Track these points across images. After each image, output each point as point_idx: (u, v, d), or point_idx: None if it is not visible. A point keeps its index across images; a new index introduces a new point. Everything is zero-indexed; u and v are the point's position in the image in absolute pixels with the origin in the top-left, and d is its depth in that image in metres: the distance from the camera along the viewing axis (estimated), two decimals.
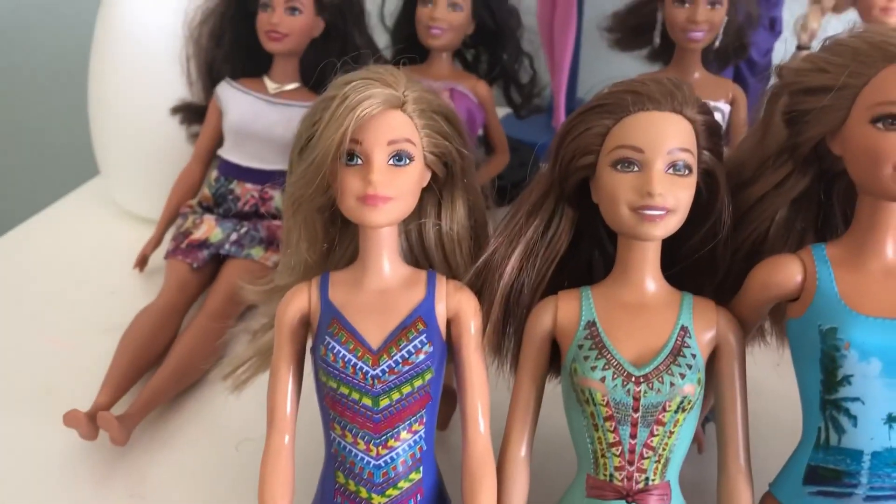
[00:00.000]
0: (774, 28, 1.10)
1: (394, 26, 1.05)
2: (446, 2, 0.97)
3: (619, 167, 0.54)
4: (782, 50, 1.12)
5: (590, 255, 0.64)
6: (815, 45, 1.06)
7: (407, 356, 0.56)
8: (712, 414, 0.61)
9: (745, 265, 0.59)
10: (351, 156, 0.55)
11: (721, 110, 0.94)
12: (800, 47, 1.08)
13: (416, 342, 0.56)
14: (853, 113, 0.51)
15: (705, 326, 0.57)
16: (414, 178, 0.56)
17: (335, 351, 0.56)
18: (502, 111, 1.14)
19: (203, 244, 0.93)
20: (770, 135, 0.58)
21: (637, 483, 0.55)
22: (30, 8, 1.56)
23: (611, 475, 0.55)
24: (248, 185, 0.96)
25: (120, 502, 0.71)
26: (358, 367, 0.55)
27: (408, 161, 0.56)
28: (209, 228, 0.94)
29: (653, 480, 0.55)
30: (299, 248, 0.61)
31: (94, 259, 1.06)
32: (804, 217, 0.60)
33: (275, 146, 0.94)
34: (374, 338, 0.56)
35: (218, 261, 0.94)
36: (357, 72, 0.57)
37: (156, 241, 1.00)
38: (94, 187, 1.25)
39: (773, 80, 0.56)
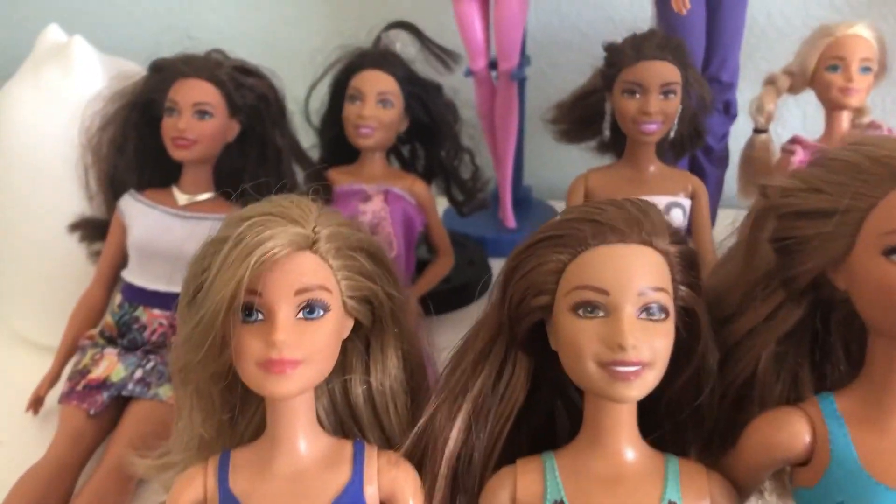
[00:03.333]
0: (729, 111, 1.04)
1: (320, 125, 0.96)
2: (375, 98, 0.88)
3: (580, 312, 0.44)
4: (739, 133, 1.05)
5: (551, 405, 0.53)
6: (773, 128, 1.00)
7: None
8: None
9: (735, 413, 0.50)
10: (249, 311, 0.44)
11: (682, 205, 0.86)
12: (756, 130, 1.02)
13: None
14: (860, 242, 0.42)
15: (696, 498, 0.46)
16: (329, 332, 0.46)
17: None
18: (444, 204, 1.05)
19: (102, 384, 0.80)
20: (756, 262, 0.49)
21: None
22: None
23: None
24: (156, 312, 0.84)
25: None
26: None
27: (321, 312, 0.45)
28: (110, 365, 0.82)
29: None
30: (192, 420, 0.50)
31: None
32: (798, 351, 0.50)
33: (185, 266, 0.83)
34: None
35: (120, 403, 0.81)
36: (256, 205, 0.47)
37: (52, 379, 0.87)
38: None
39: (757, 200, 0.47)
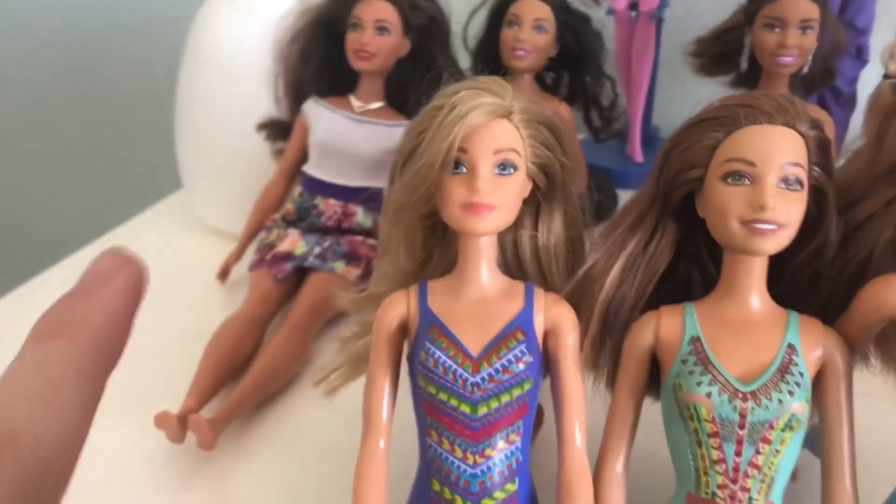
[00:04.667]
0: (861, 56, 1.09)
1: (476, 48, 1.06)
2: (532, 24, 0.98)
3: (729, 180, 0.54)
4: (869, 79, 1.10)
5: (688, 274, 0.63)
6: None
7: (507, 365, 0.55)
8: (807, 442, 0.59)
9: (850, 286, 0.58)
10: (457, 164, 0.55)
11: None
12: (887, 76, 1.06)
13: (517, 351, 0.56)
14: None
15: (812, 345, 0.55)
16: (517, 187, 0.57)
17: (436, 356, 0.56)
18: (579, 136, 1.14)
19: (287, 257, 0.94)
20: (882, 154, 0.57)
21: (740, 502, 0.54)
22: (121, 25, 1.62)
23: (713, 493, 0.54)
24: (332, 201, 0.97)
25: None
26: (458, 373, 0.55)
27: (512, 171, 0.56)
28: (293, 241, 0.96)
29: (756, 501, 0.54)
30: (398, 255, 0.62)
31: (177, 271, 1.07)
32: None
33: (359, 163, 0.96)
34: (474, 345, 0.56)
35: (300, 274, 0.95)
36: (464, 81, 0.58)
37: (238, 254, 1.01)
38: (177, 201, 1.28)
39: (886, 97, 0.55)
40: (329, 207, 0.97)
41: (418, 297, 0.59)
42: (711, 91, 0.99)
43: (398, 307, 0.59)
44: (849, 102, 1.12)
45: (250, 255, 1.00)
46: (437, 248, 0.62)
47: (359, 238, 0.96)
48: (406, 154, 0.58)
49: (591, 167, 1.21)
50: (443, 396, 0.56)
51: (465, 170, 0.55)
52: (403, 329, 0.59)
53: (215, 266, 1.03)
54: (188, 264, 1.10)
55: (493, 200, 0.55)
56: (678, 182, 0.57)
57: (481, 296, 0.58)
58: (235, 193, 1.09)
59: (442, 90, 0.58)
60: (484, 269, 0.58)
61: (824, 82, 0.98)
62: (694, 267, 0.63)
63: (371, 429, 0.58)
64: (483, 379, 0.55)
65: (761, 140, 0.53)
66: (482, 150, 0.55)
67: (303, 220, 0.98)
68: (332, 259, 0.93)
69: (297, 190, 1.00)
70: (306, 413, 0.82)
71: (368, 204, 0.97)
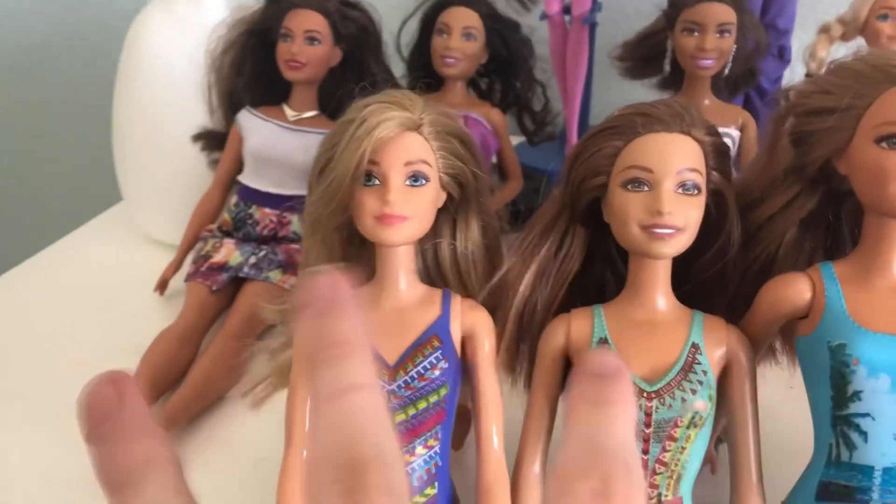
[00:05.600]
0: (783, 57, 1.12)
1: (409, 56, 1.08)
2: (461, 32, 0.99)
3: (629, 187, 0.56)
4: (791, 78, 1.14)
5: (601, 275, 0.65)
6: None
7: (423, 372, 0.57)
8: (725, 435, 0.62)
9: (755, 285, 0.60)
10: (369, 176, 0.57)
11: (731, 136, 0.95)
12: (808, 75, 1.10)
13: (432, 358, 0.57)
14: (858, 133, 0.52)
15: (716, 344, 0.57)
16: (429, 198, 0.58)
17: None
18: (515, 140, 1.16)
19: (222, 267, 0.95)
20: (777, 156, 0.59)
21: (650, 499, 0.56)
22: (57, 38, 1.60)
23: None
24: (267, 210, 0.98)
25: None
26: None
27: (423, 182, 0.57)
28: (229, 252, 0.96)
29: (665, 496, 0.56)
30: (317, 266, 0.63)
31: (117, 283, 1.07)
32: (813, 237, 0.61)
33: (293, 172, 0.96)
34: (391, 354, 0.57)
35: (237, 283, 0.95)
36: (375, 96, 0.59)
37: (176, 265, 1.02)
38: (117, 213, 1.27)
39: (780, 103, 0.58)
40: (264, 216, 0.98)
41: None
42: (646, 93, 1.02)
43: None
44: (773, 101, 1.14)
45: (188, 265, 1.00)
46: (356, 259, 0.64)
47: (295, 246, 0.97)
48: (320, 166, 0.60)
49: (530, 169, 1.23)
50: None
51: (377, 182, 0.57)
52: None
53: (155, 277, 1.03)
54: (128, 276, 1.09)
55: (404, 211, 0.56)
56: (584, 189, 0.59)
57: (399, 305, 0.59)
58: (175, 204, 1.10)
59: (353, 104, 0.59)
60: (401, 279, 0.60)
61: (748, 83, 1.01)
62: (607, 269, 0.65)
63: (293, 440, 0.59)
64: (399, 387, 0.57)
65: (658, 147, 0.55)
66: (393, 163, 0.56)
67: (239, 229, 0.99)
68: (268, 268, 0.94)
69: (233, 199, 1.01)
70: (242, 423, 0.83)
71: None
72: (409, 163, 0.57)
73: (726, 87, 0.99)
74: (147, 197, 1.15)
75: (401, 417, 0.57)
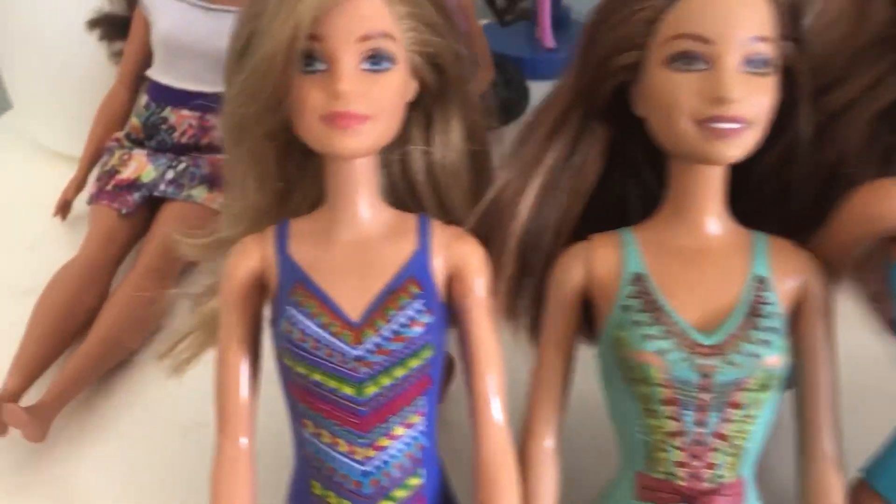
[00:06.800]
0: None
1: None
2: None
3: (677, 65, 0.40)
4: None
5: (623, 191, 0.50)
6: None
7: (399, 330, 0.42)
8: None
9: (821, 195, 0.46)
10: (309, 59, 0.40)
11: None
12: None
13: (410, 310, 0.42)
14: None
15: (787, 275, 0.44)
16: (395, 87, 0.42)
17: (302, 326, 0.42)
18: (481, 22, 0.98)
19: (133, 185, 0.78)
20: (867, 18, 0.44)
21: (704, 481, 0.42)
22: None
23: (670, 473, 0.42)
24: (185, 112, 0.80)
25: None
26: (335, 346, 0.42)
27: (387, 65, 0.41)
28: (140, 166, 0.79)
29: (724, 478, 0.42)
30: (245, 188, 0.46)
31: (8, 206, 0.91)
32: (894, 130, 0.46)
33: (214, 63, 0.78)
34: (354, 306, 0.42)
35: (152, 205, 0.78)
36: None
37: (79, 183, 0.84)
38: (6, 123, 1.08)
39: None
40: (182, 120, 0.80)
41: (276, 244, 0.44)
42: None
43: (249, 259, 0.45)
44: None
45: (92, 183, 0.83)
46: (298, 177, 0.47)
47: (222, 157, 0.79)
48: (240, 46, 0.43)
49: (499, 57, 1.05)
50: (317, 377, 0.42)
51: (321, 66, 0.40)
52: (260, 286, 0.45)
53: (55, 197, 0.86)
54: (22, 197, 0.92)
55: (362, 107, 0.40)
56: (607, 71, 0.44)
57: (360, 237, 0.44)
58: (72, 108, 0.93)
59: None
60: (361, 202, 0.44)
61: None
62: (629, 181, 0.49)
63: (227, 426, 0.45)
64: (369, 351, 0.42)
65: (717, 9, 0.40)
66: (343, 37, 0.40)
67: (152, 137, 0.81)
68: (190, 185, 0.77)
69: (143, 100, 0.83)
70: (164, 383, 0.67)
71: None
72: (366, 37, 0.40)
73: None
74: (41, 101, 0.97)
75: (372, 390, 0.42)
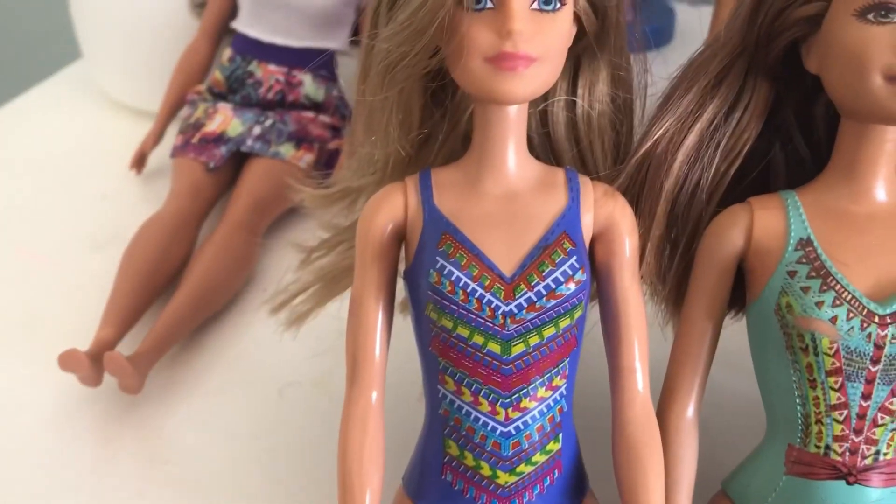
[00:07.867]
0: None
1: None
2: None
3: (870, 17, 0.38)
4: None
5: (769, 154, 0.47)
6: None
7: (553, 286, 0.40)
8: None
9: None
10: None
11: None
12: None
13: (566, 267, 0.40)
14: None
15: None
16: (565, 29, 0.40)
17: (453, 278, 0.40)
18: None
19: (219, 139, 0.76)
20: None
21: (864, 458, 0.40)
22: None
23: (826, 447, 0.40)
24: (272, 67, 0.78)
25: (132, 467, 0.56)
26: (485, 300, 0.40)
27: (558, 4, 0.39)
28: (226, 120, 0.77)
29: (885, 455, 0.40)
30: (388, 134, 0.44)
31: (80, 158, 0.88)
32: None
33: (305, 17, 0.77)
34: (506, 261, 0.40)
35: (238, 160, 0.76)
36: None
37: (156, 136, 0.82)
38: (76, 72, 1.05)
39: None
40: (269, 75, 0.78)
41: (420, 194, 0.42)
42: None
43: (392, 208, 0.42)
44: None
45: (171, 137, 0.81)
46: (439, 126, 0.45)
47: (308, 115, 0.78)
48: None
49: None
50: (462, 332, 0.40)
51: (490, 4, 0.38)
52: (399, 238, 0.43)
53: (128, 151, 0.84)
54: (94, 149, 0.90)
55: (532, 49, 0.38)
56: (784, 23, 0.41)
57: (508, 189, 0.42)
58: (147, 60, 0.90)
59: None
60: (511, 154, 0.42)
61: None
62: (776, 143, 0.47)
63: (360, 377, 0.43)
64: (520, 307, 0.40)
65: None
66: None
67: (236, 91, 0.79)
68: (278, 142, 0.75)
69: (227, 53, 0.81)
70: (256, 339, 0.65)
71: (319, 71, 0.78)
72: None
73: None
74: (114, 52, 0.94)
75: (519, 349, 0.40)
